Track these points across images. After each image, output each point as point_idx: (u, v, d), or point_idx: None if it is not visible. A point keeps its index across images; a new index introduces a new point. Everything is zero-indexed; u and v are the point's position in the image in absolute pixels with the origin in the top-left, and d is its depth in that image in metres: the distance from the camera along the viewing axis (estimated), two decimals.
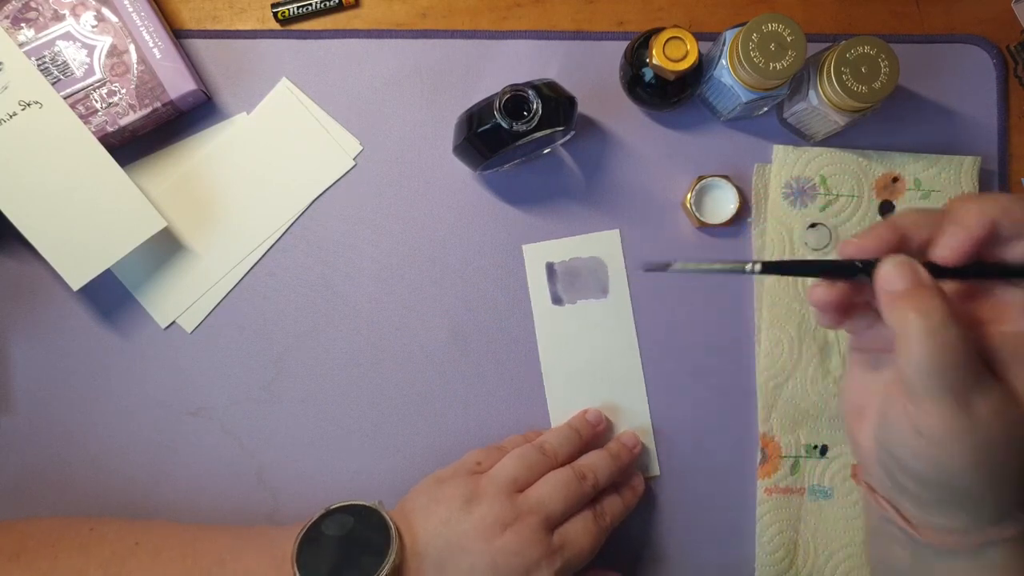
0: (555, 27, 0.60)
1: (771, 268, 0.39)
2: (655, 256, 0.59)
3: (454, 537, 0.47)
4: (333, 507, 0.48)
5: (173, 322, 0.58)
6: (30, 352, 0.58)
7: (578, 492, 0.50)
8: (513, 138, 0.51)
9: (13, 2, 0.54)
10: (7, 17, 0.54)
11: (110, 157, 0.53)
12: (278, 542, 0.48)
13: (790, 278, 0.58)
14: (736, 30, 0.52)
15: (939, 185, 0.58)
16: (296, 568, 0.45)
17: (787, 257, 0.58)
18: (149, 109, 0.55)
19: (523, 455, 0.51)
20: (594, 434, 0.56)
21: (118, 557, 0.47)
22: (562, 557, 0.48)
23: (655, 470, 0.58)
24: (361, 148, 0.59)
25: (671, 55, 0.52)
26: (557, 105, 0.52)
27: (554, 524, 0.49)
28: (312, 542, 0.47)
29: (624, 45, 0.57)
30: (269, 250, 0.58)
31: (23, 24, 0.54)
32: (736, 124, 0.59)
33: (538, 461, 0.51)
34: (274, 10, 0.59)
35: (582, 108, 0.58)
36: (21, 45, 0.54)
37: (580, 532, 0.50)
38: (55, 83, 0.54)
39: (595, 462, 0.53)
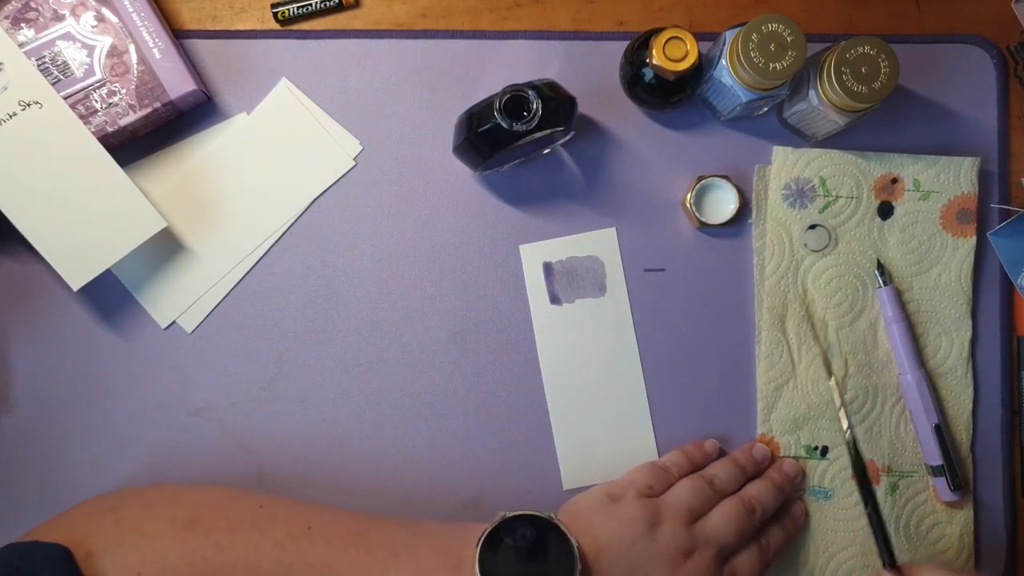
0: (555, 27, 0.60)
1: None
2: (656, 256, 0.59)
3: (638, 562, 0.48)
4: (511, 515, 0.48)
5: (173, 322, 0.58)
6: (30, 352, 0.58)
7: (748, 525, 0.52)
8: (513, 138, 0.51)
9: (13, 2, 0.54)
10: (7, 17, 0.54)
11: (110, 157, 0.53)
12: (452, 542, 0.48)
13: (790, 278, 0.58)
14: (736, 30, 0.52)
15: (939, 186, 0.58)
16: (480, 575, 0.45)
17: (786, 258, 0.58)
18: (149, 109, 0.55)
19: (696, 487, 0.53)
20: (759, 470, 0.57)
21: (292, 538, 0.47)
22: None
23: None
24: (361, 148, 0.59)
25: (671, 55, 0.52)
26: (557, 105, 0.52)
27: (726, 556, 0.51)
28: (491, 548, 0.46)
29: (624, 45, 0.57)
30: (269, 250, 0.58)
31: (23, 24, 0.54)
32: (736, 124, 0.59)
33: (710, 495, 0.53)
34: (274, 10, 0.59)
35: (582, 108, 0.58)
36: (21, 45, 0.54)
37: (747, 566, 0.52)
38: (55, 83, 0.54)
39: (762, 494, 0.54)
